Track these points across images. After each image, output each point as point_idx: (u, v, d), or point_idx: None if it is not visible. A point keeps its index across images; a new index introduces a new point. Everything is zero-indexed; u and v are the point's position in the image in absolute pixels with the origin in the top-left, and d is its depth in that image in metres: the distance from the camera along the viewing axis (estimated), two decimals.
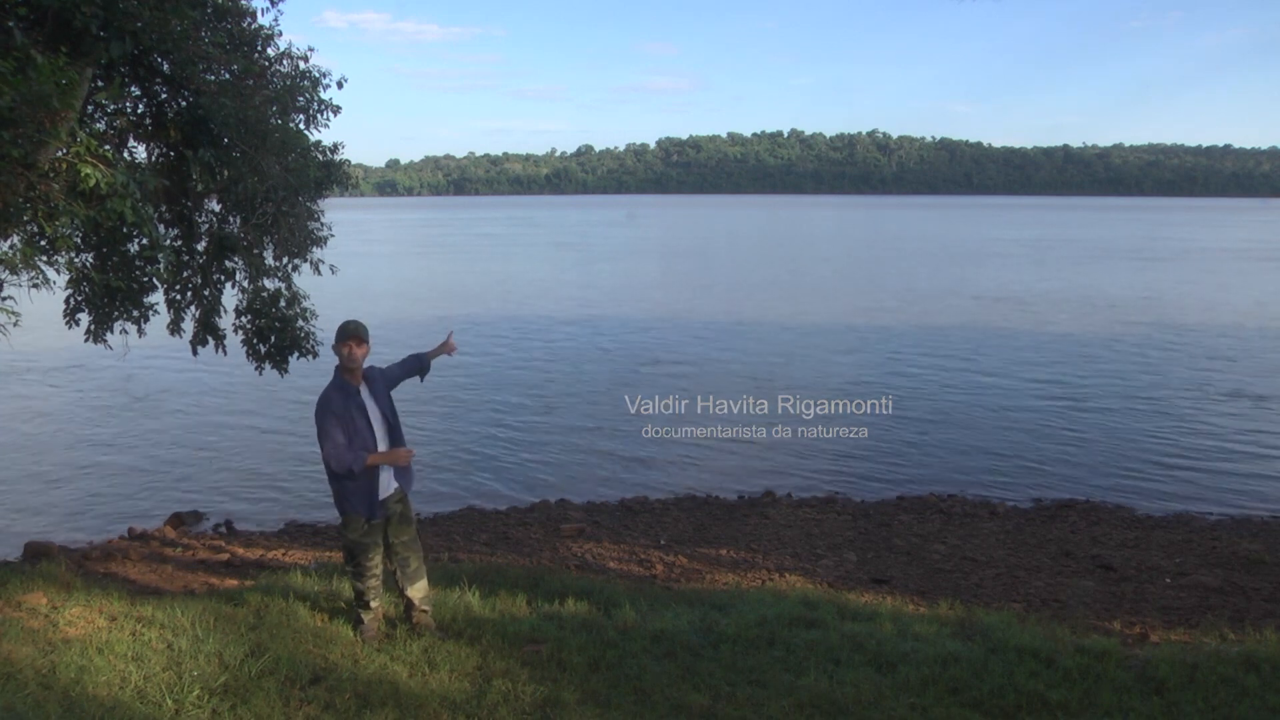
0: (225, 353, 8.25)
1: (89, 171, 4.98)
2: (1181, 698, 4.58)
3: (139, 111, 7.01)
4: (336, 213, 8.42)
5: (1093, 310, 29.84)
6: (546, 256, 56.39)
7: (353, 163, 9.14)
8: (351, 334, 5.03)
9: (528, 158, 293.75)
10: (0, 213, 5.10)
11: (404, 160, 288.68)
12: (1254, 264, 48.54)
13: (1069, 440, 14.53)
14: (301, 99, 7.40)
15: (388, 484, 5.17)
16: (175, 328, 8.00)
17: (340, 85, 7.64)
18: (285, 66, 7.39)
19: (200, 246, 7.78)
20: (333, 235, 8.27)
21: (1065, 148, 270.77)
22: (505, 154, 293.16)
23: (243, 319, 8.02)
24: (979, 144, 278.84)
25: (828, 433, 15.15)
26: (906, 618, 6.06)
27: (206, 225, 7.75)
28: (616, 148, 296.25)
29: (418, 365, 5.46)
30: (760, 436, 15.00)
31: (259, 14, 7.32)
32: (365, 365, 5.22)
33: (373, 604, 5.30)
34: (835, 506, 11.44)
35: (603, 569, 8.90)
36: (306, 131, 7.51)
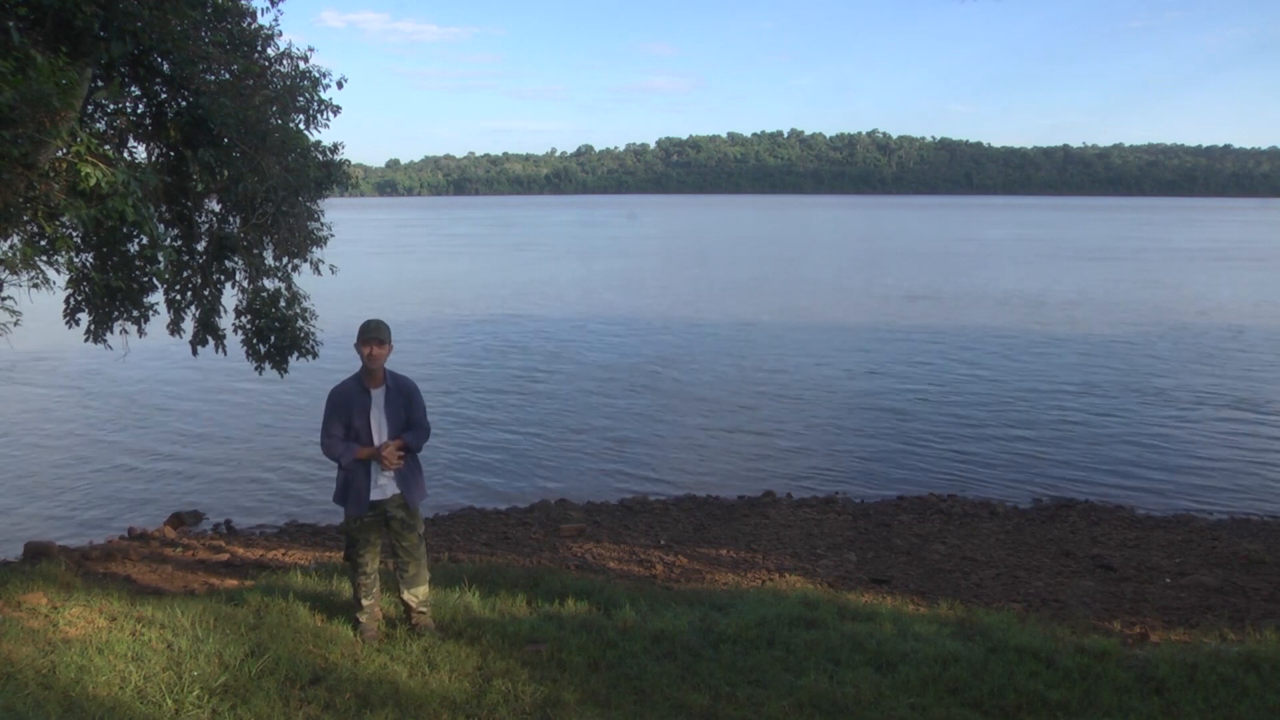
0: (225, 353, 8.24)
1: (89, 171, 4.98)
2: (1181, 698, 4.58)
3: (139, 111, 7.01)
4: (334, 213, 8.41)
5: (1011, 308, 30.36)
6: (494, 257, 56.33)
7: (353, 163, 9.13)
8: (372, 336, 4.96)
9: (528, 158, 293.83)
10: (0, 213, 5.10)
11: (404, 160, 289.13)
12: (1207, 264, 48.85)
13: (1070, 440, 14.53)
14: (301, 99, 7.38)
15: (386, 487, 5.14)
16: (175, 328, 7.99)
17: (340, 85, 7.63)
18: (285, 66, 7.38)
19: (200, 246, 7.77)
20: (332, 235, 8.26)
21: (1065, 148, 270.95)
22: (505, 154, 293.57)
23: (243, 319, 8.01)
24: (979, 144, 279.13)
25: (827, 433, 15.19)
26: (906, 618, 6.06)
27: (206, 225, 7.75)
28: (616, 148, 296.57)
29: (412, 434, 5.13)
30: (761, 436, 15.01)
31: (259, 14, 7.31)
32: (401, 374, 5.17)
33: (365, 602, 5.30)
34: (835, 506, 11.43)
35: (603, 569, 8.89)
36: (306, 131, 7.49)
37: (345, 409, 5.02)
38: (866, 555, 9.54)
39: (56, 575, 6.49)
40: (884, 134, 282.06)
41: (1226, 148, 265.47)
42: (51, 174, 5.10)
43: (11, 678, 4.42)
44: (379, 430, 5.05)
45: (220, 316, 8.05)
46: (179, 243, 7.55)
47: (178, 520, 10.94)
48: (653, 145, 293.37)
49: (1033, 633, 5.53)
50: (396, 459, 5.04)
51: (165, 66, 6.49)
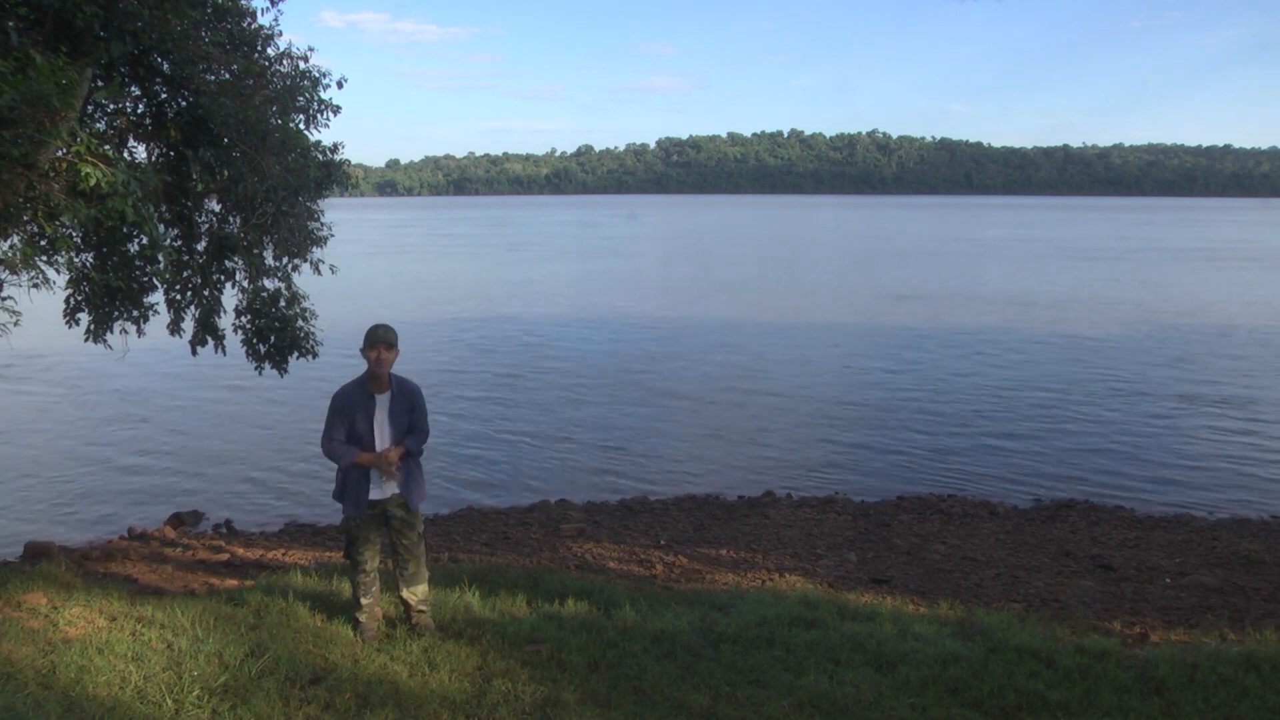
0: (225, 353, 8.24)
1: (89, 171, 4.98)
2: (1181, 698, 4.58)
3: (139, 111, 7.01)
4: (332, 213, 8.41)
5: (994, 308, 30.37)
6: (489, 257, 56.39)
7: (353, 163, 9.13)
8: (380, 340, 4.94)
9: (528, 158, 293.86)
10: (0, 213, 5.10)
11: (404, 160, 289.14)
12: (1204, 264, 48.90)
13: (1069, 440, 14.53)
14: (301, 99, 7.38)
15: (386, 486, 5.15)
16: (175, 328, 7.99)
17: (340, 85, 7.63)
18: (285, 66, 7.37)
19: (200, 246, 7.77)
20: (333, 235, 8.26)
21: (1065, 148, 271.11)
22: (505, 154, 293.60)
23: (243, 319, 8.01)
24: (979, 144, 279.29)
25: (827, 433, 15.19)
26: (906, 618, 6.06)
27: (206, 225, 7.75)
28: (616, 148, 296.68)
29: (412, 438, 5.15)
30: (760, 437, 15.01)
31: (259, 14, 7.31)
32: (406, 379, 5.17)
33: (364, 601, 5.31)
34: (835, 506, 11.43)
35: (603, 569, 8.89)
36: (306, 131, 7.49)
37: (348, 412, 5.01)
38: (866, 555, 9.54)
39: (56, 575, 6.49)
40: (884, 134, 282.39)
41: (1226, 148, 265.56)
42: (51, 174, 5.09)
43: (11, 678, 4.42)
44: (381, 435, 5.05)
45: (220, 316, 8.05)
46: (179, 243, 7.55)
47: (178, 520, 10.94)
48: (653, 145, 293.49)
49: (1033, 633, 5.53)
50: (396, 470, 5.04)
51: (165, 66, 6.48)
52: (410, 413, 5.12)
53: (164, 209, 7.25)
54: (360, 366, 5.13)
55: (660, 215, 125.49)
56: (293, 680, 4.60)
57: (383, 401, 5.05)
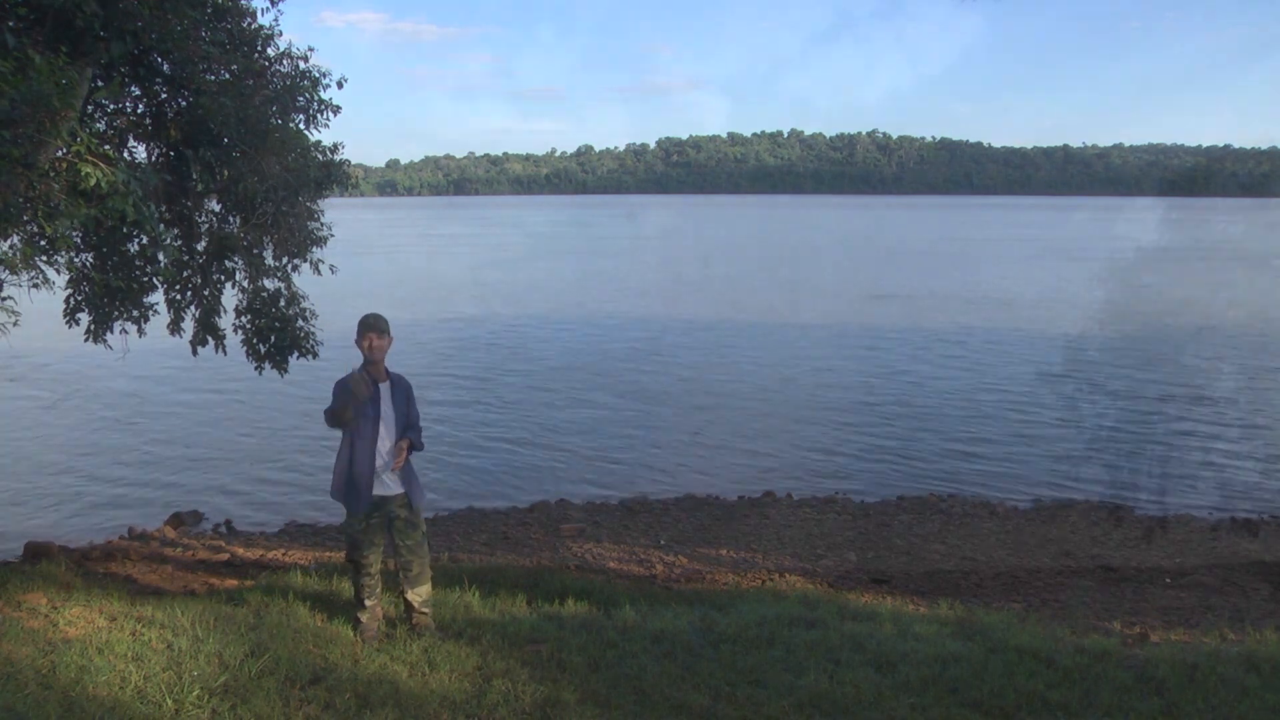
0: (225, 352, 8.25)
1: (89, 170, 4.98)
2: (1181, 698, 4.58)
3: (139, 111, 7.02)
4: (333, 213, 8.42)
5: (979, 307, 30.25)
6: (481, 257, 56.55)
7: (352, 163, 9.14)
8: (370, 326, 5.04)
9: (527, 158, 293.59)
10: (0, 213, 5.10)
11: (404, 160, 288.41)
12: (1175, 264, 48.97)
13: (1069, 440, 14.54)
14: (301, 99, 7.39)
15: (392, 485, 5.18)
16: (175, 328, 8.00)
17: (340, 85, 7.65)
18: (285, 66, 7.39)
19: (200, 246, 7.78)
20: (332, 235, 8.27)
21: (1065, 148, 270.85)
22: (505, 154, 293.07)
23: (243, 319, 8.02)
24: (979, 144, 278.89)
25: (827, 433, 15.20)
26: (906, 618, 6.06)
27: (206, 225, 7.76)
28: (616, 148, 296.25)
29: (415, 433, 5.25)
30: (760, 437, 15.01)
31: (259, 14, 7.33)
32: (397, 373, 5.24)
33: (367, 602, 5.32)
34: (835, 506, 11.43)
35: (603, 569, 8.89)
36: (306, 131, 7.51)
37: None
38: (866, 555, 9.54)
39: (56, 575, 6.50)
40: (884, 134, 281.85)
41: (1226, 148, 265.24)
42: (51, 174, 5.10)
43: (11, 678, 4.41)
44: (387, 421, 5.11)
45: (220, 316, 8.06)
46: (179, 243, 7.55)
47: (178, 520, 10.94)
48: (653, 145, 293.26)
49: (1033, 633, 5.53)
50: (400, 458, 5.10)
51: (165, 66, 6.49)
52: (406, 404, 5.22)
53: (164, 209, 7.25)
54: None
55: (659, 215, 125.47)
56: (293, 680, 4.60)
57: (384, 391, 5.14)
